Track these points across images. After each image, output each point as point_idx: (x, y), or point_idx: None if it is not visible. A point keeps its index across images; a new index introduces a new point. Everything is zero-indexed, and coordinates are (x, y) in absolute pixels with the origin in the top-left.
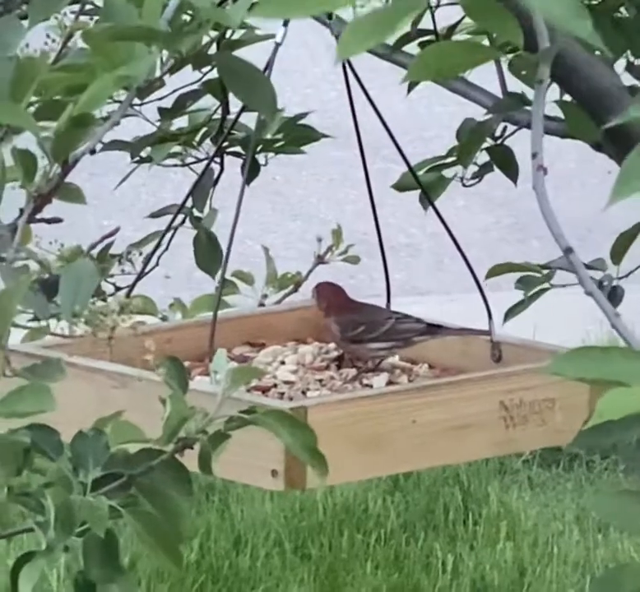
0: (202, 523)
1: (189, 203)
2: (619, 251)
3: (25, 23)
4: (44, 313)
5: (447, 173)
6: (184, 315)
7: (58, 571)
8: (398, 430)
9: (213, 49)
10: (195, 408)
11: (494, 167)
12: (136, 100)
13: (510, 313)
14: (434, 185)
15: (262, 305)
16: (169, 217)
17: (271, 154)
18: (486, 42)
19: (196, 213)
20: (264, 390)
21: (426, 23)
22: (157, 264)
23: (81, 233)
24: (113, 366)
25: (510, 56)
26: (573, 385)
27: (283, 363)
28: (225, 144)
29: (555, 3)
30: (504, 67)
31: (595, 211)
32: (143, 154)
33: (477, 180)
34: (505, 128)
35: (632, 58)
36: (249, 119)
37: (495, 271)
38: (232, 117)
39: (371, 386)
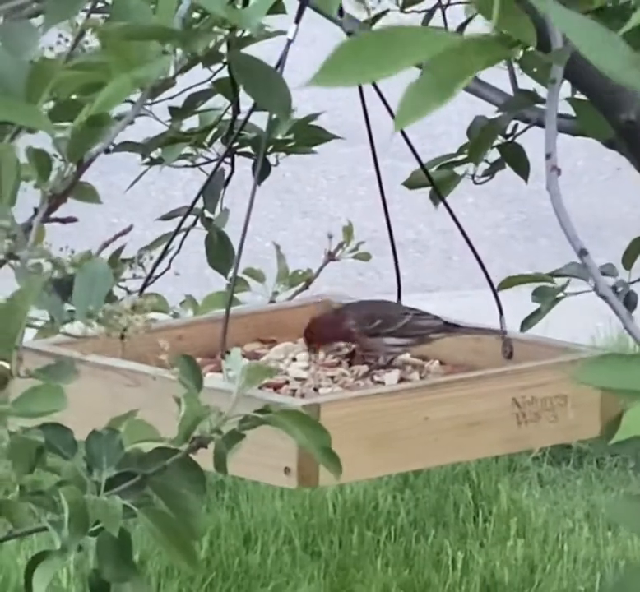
0: (212, 520)
1: (200, 203)
2: (631, 255)
3: (37, 21)
4: (58, 314)
5: (458, 170)
6: (196, 312)
7: (68, 568)
8: (410, 427)
9: (223, 47)
10: (210, 407)
11: (505, 164)
12: (147, 99)
13: (526, 324)
14: (445, 182)
15: (272, 302)
16: (180, 218)
17: (282, 154)
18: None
19: (207, 214)
20: (276, 387)
21: (436, 21)
22: (169, 267)
23: (90, 232)
24: (126, 363)
25: (521, 53)
26: None
27: (294, 359)
28: (236, 144)
29: (611, 57)
30: (514, 64)
31: (604, 208)
32: (154, 154)
33: (488, 178)
34: (516, 126)
35: None
36: (259, 119)
37: (509, 283)
38: (242, 117)
39: (383, 383)
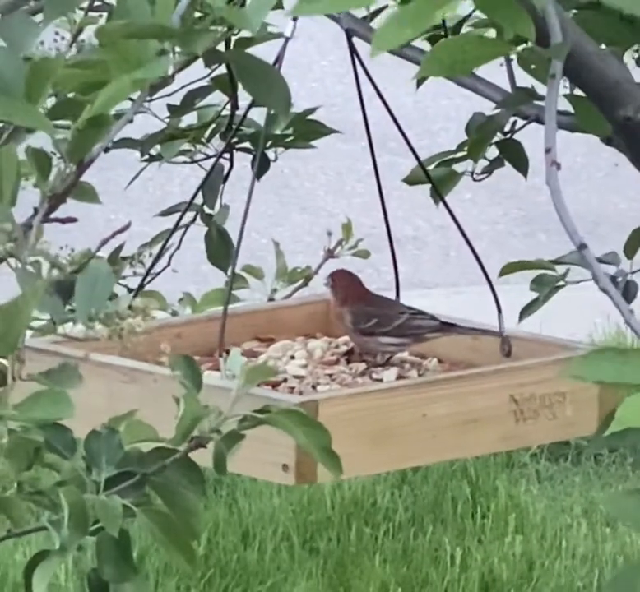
0: (210, 517)
1: (199, 199)
2: (633, 245)
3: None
4: (60, 316)
5: (457, 167)
6: (194, 309)
7: (66, 565)
8: (408, 424)
9: (222, 45)
10: (209, 407)
11: (504, 162)
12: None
13: (524, 312)
14: (445, 179)
15: (271, 300)
16: (178, 214)
17: (280, 149)
18: (492, 34)
19: (206, 210)
20: (274, 385)
21: None
22: (169, 264)
23: (88, 228)
24: (123, 361)
25: (519, 48)
26: None
27: (293, 357)
28: (234, 140)
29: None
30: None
31: (602, 205)
32: (152, 151)
33: (487, 175)
34: (515, 122)
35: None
36: (258, 114)
37: (508, 269)
38: (240, 112)
39: (381, 381)
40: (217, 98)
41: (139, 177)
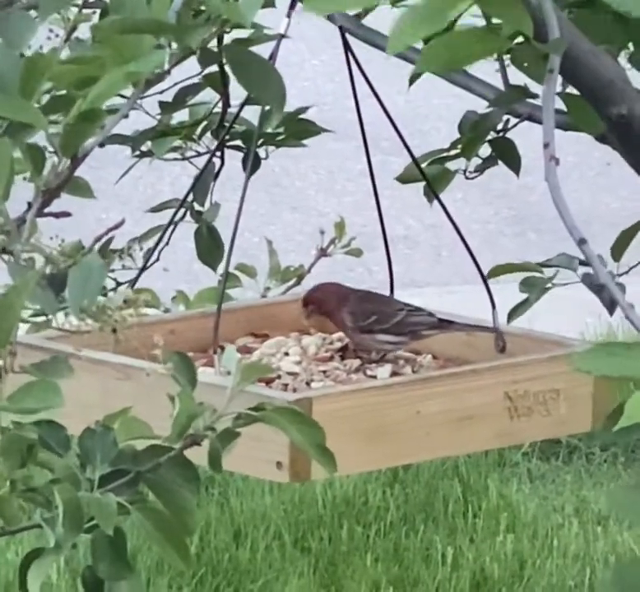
0: (202, 516)
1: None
2: (620, 247)
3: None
4: (52, 309)
5: (450, 166)
6: (187, 307)
7: (58, 563)
8: (402, 421)
9: (214, 42)
10: (203, 404)
11: (497, 161)
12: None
13: (514, 313)
14: (438, 178)
15: (264, 298)
16: (168, 210)
17: (271, 148)
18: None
19: (197, 207)
20: (268, 382)
21: None
22: (158, 259)
23: (78, 226)
24: (117, 357)
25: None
26: (578, 376)
27: (287, 354)
28: (226, 138)
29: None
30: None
31: (594, 204)
32: (143, 148)
33: (479, 173)
34: (507, 121)
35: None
36: (249, 112)
37: (497, 272)
38: (232, 110)
39: (375, 377)
40: (209, 95)
41: (130, 176)
